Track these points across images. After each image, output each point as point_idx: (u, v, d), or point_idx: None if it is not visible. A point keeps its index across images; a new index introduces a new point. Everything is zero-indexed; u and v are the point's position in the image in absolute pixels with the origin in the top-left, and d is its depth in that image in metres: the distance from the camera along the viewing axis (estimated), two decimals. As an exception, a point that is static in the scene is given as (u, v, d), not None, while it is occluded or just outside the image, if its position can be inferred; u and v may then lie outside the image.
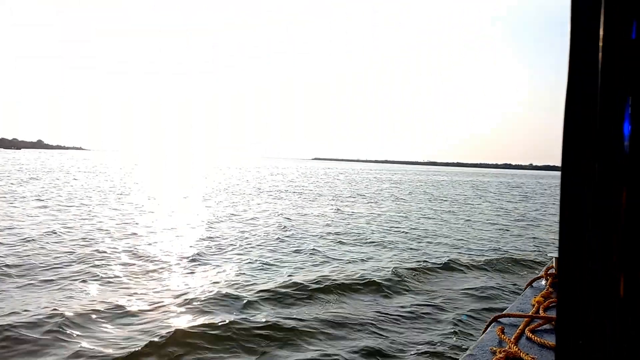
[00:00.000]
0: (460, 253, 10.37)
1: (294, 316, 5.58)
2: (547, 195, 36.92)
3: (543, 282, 3.34)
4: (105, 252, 8.42)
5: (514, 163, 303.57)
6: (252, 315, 5.48)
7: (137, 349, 4.43)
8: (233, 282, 6.85)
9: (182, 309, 5.61)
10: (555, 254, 3.03)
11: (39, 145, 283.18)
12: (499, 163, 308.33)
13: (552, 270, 3.31)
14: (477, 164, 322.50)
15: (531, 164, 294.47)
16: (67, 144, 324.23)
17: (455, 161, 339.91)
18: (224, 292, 6.23)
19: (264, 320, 5.29)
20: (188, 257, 8.34)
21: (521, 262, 9.95)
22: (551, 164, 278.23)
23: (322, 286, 6.80)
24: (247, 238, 10.63)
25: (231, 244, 9.87)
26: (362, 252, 9.80)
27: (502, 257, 10.15)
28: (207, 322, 5.14)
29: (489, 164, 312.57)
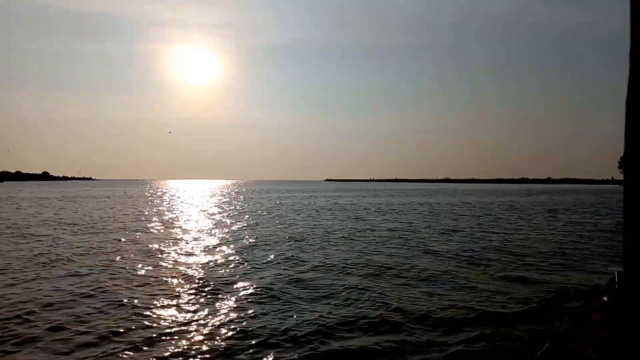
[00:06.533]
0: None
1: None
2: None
3: (605, 298, 3.85)
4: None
5: (531, 177, 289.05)
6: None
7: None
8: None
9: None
10: (617, 268, 4.02)
11: (44, 177, 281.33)
12: (516, 178, 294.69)
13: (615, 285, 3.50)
14: (493, 179, 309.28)
15: (549, 178, 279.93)
16: (73, 174, 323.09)
17: (469, 177, 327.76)
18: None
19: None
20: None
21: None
22: (570, 177, 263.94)
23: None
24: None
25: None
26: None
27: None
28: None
29: (504, 179, 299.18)
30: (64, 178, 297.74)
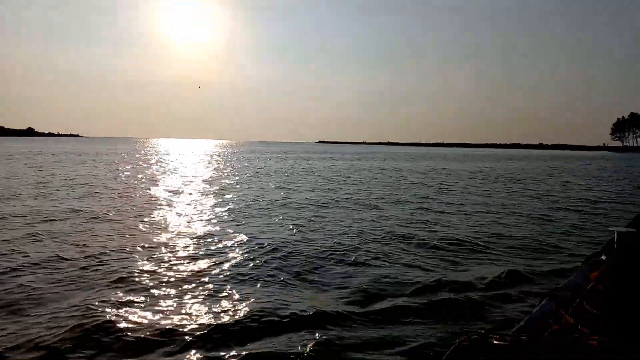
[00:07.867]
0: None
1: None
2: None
3: (603, 257, 3.55)
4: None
5: (523, 143, 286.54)
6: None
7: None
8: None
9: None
10: (618, 228, 3.33)
11: (29, 133, 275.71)
12: (507, 143, 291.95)
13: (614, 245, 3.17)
14: (483, 144, 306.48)
15: (541, 143, 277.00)
16: (60, 131, 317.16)
17: (461, 142, 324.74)
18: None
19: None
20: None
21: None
22: (562, 144, 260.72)
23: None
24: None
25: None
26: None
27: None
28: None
29: (496, 144, 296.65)
30: (50, 134, 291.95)
